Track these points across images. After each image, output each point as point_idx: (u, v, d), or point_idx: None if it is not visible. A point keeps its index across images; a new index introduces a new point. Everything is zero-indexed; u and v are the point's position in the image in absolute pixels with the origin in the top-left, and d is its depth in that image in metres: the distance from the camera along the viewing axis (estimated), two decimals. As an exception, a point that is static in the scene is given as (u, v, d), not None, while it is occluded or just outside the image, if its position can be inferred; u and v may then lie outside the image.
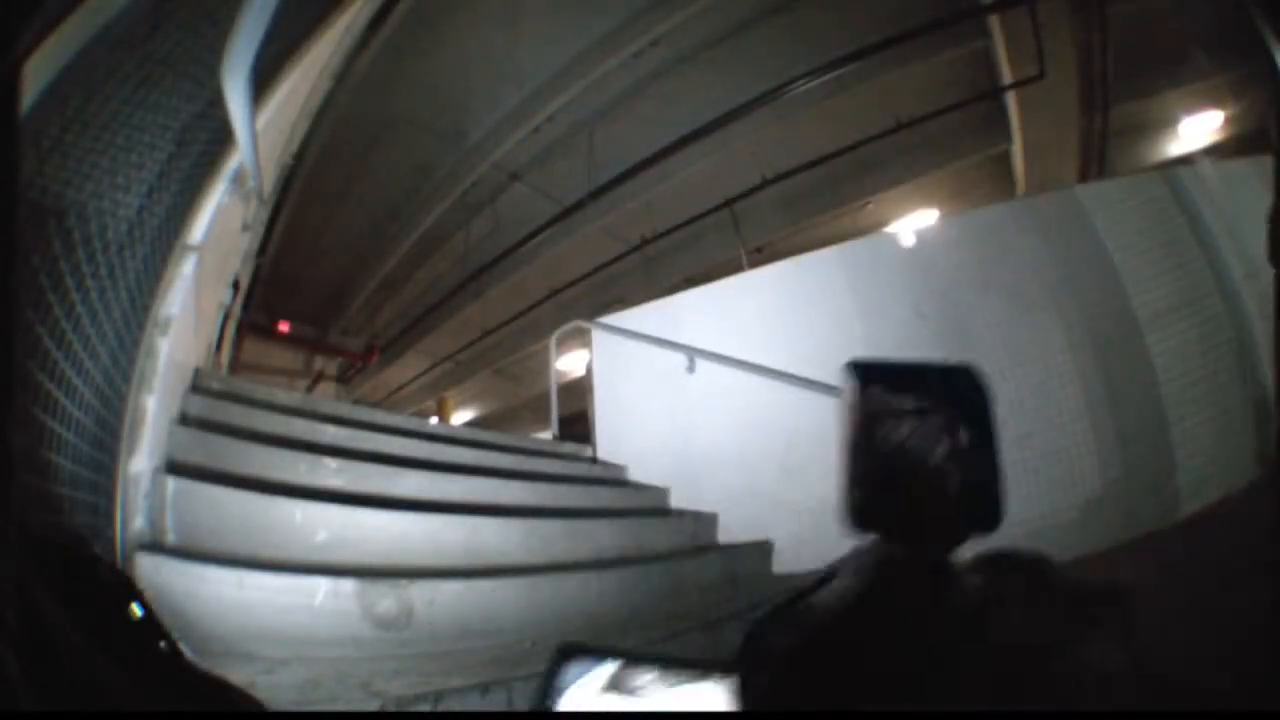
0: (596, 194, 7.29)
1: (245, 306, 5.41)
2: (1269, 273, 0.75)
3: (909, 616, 0.52)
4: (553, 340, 5.20)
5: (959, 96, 6.52)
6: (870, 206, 8.12)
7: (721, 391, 4.03)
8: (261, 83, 2.25)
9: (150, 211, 1.82)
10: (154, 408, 1.98)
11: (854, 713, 0.49)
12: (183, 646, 0.79)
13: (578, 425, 4.97)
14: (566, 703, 0.65)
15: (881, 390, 0.59)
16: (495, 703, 1.53)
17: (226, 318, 3.91)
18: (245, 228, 3.48)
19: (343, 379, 11.58)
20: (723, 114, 6.35)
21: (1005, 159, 7.26)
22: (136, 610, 0.77)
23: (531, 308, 9.44)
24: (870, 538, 0.57)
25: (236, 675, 1.39)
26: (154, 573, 1.73)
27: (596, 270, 8.80)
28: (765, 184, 7.46)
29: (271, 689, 1.48)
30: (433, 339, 10.76)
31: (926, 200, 8.12)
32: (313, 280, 9.86)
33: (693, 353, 4.14)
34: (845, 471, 0.58)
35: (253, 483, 2.20)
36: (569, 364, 7.75)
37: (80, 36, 1.15)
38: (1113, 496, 3.13)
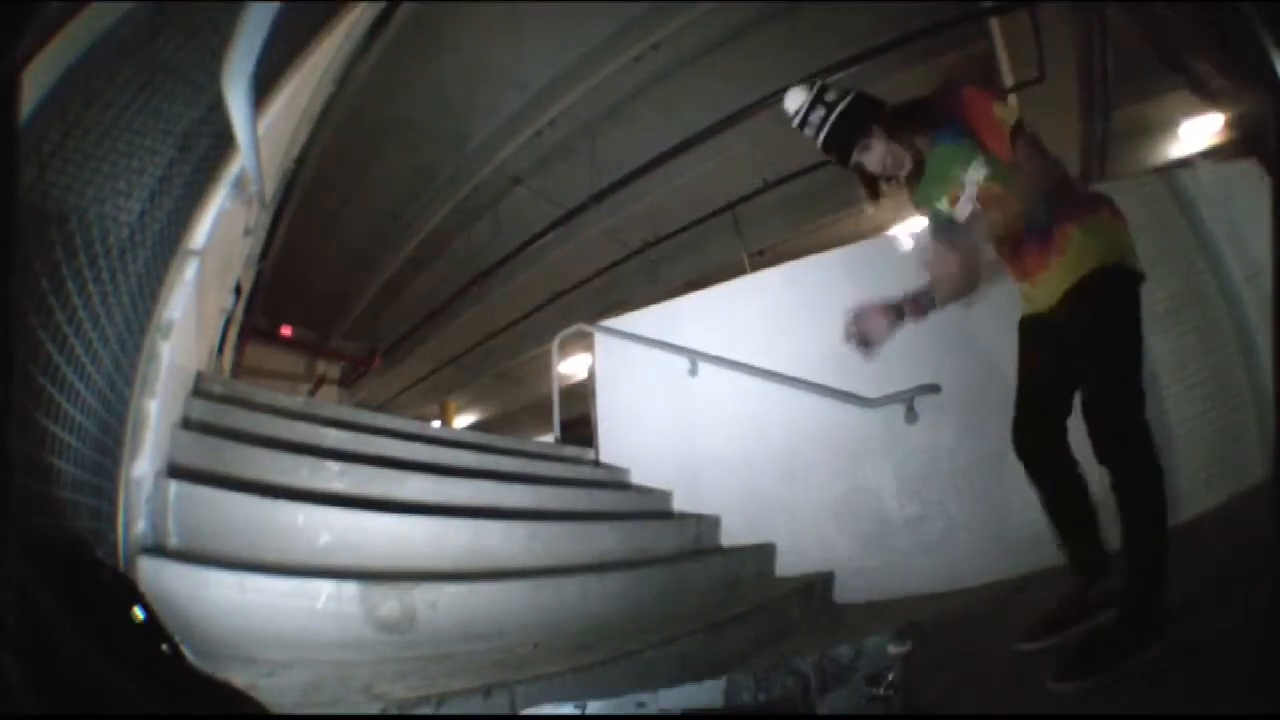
0: (598, 198, 7.30)
1: (247, 311, 5.42)
2: (1269, 275, 0.75)
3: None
4: (555, 344, 5.20)
5: (960, 99, 6.52)
6: (872, 210, 8.12)
7: (724, 394, 4.02)
8: (263, 88, 2.25)
9: (152, 216, 1.82)
10: (156, 412, 1.99)
11: (856, 715, 0.49)
12: (185, 649, 0.80)
13: (580, 428, 4.97)
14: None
15: None
16: (498, 706, 1.53)
17: (228, 322, 3.92)
18: (247, 232, 3.49)
19: (345, 383, 11.57)
20: (724, 117, 6.35)
21: (1007, 162, 7.24)
22: (138, 613, 0.77)
23: (534, 311, 9.45)
24: None
25: (238, 678, 1.40)
26: (156, 576, 1.74)
27: (599, 274, 8.82)
28: (767, 187, 7.47)
29: (273, 692, 1.47)
30: (435, 343, 10.77)
31: (928, 203, 8.11)
32: (315, 284, 9.86)
33: (695, 356, 4.13)
34: None
35: (255, 486, 2.20)
36: (571, 367, 7.75)
37: (80, 42, 1.15)
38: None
